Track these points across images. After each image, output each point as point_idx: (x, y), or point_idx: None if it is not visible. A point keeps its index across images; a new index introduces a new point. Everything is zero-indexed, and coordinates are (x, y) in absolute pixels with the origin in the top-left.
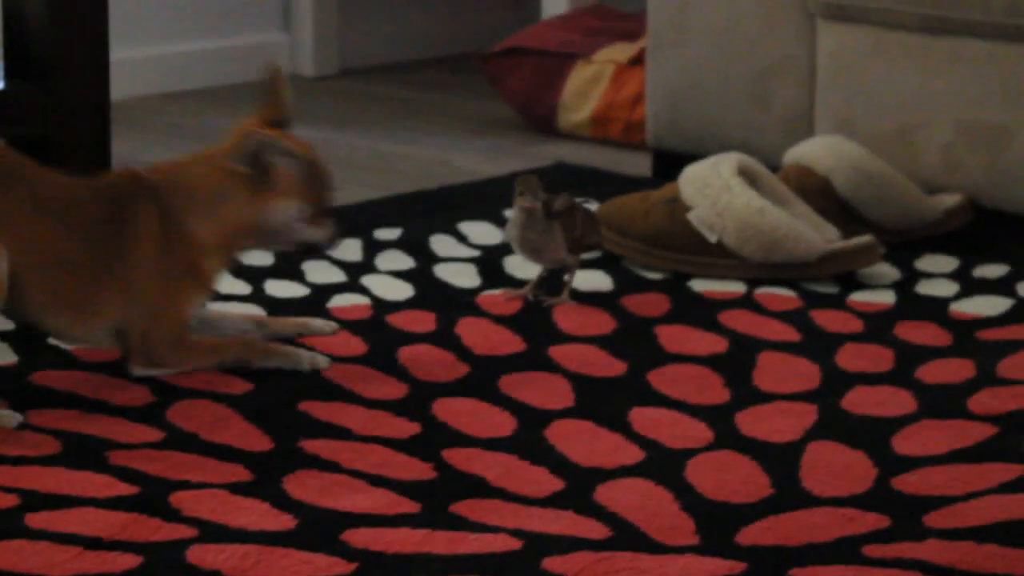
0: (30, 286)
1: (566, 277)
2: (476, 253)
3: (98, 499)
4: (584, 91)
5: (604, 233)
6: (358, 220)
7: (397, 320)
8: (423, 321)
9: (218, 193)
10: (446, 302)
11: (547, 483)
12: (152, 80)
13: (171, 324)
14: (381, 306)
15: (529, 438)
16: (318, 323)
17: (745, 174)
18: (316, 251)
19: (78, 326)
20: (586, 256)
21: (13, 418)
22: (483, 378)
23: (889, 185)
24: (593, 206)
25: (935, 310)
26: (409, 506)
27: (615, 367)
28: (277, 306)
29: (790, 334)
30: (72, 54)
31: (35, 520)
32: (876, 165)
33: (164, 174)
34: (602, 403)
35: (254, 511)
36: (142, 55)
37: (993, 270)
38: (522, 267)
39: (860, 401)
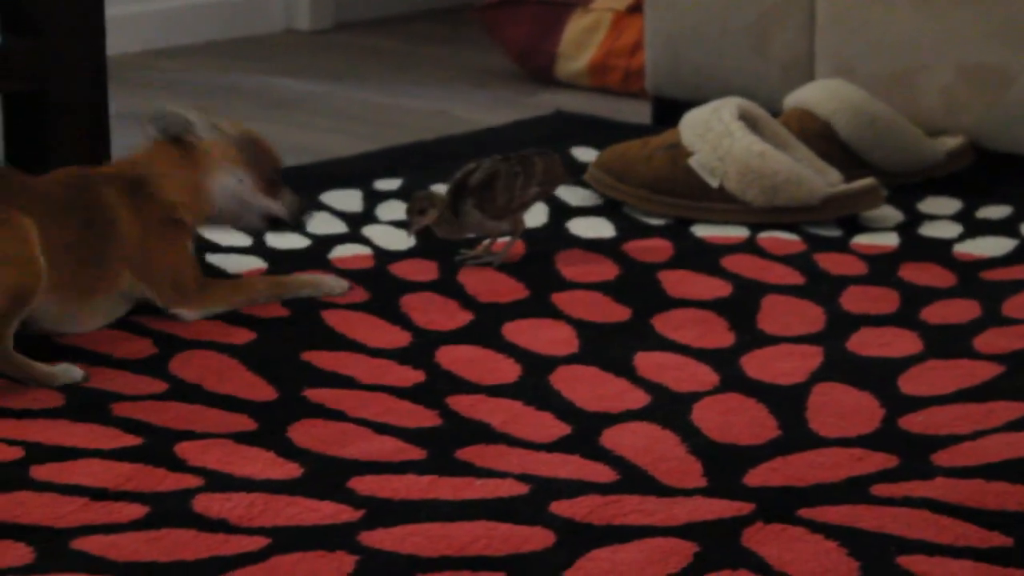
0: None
1: (506, 239)
2: None
3: (103, 450)
4: (582, 40)
5: (604, 180)
6: (357, 171)
7: (399, 269)
8: (425, 270)
9: (165, 170)
10: (448, 251)
11: (553, 428)
12: (148, 35)
13: (183, 270)
14: (383, 256)
15: (534, 384)
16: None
17: (746, 118)
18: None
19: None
20: (584, 204)
21: (75, 371)
22: (486, 325)
23: (890, 128)
24: (581, 154)
25: (939, 251)
26: (415, 453)
27: (619, 313)
28: (279, 258)
29: (794, 277)
30: (68, 9)
31: (40, 472)
32: (877, 108)
33: (120, 165)
34: (607, 348)
35: (260, 460)
36: (138, 10)
37: (996, 211)
38: None
39: (866, 342)
